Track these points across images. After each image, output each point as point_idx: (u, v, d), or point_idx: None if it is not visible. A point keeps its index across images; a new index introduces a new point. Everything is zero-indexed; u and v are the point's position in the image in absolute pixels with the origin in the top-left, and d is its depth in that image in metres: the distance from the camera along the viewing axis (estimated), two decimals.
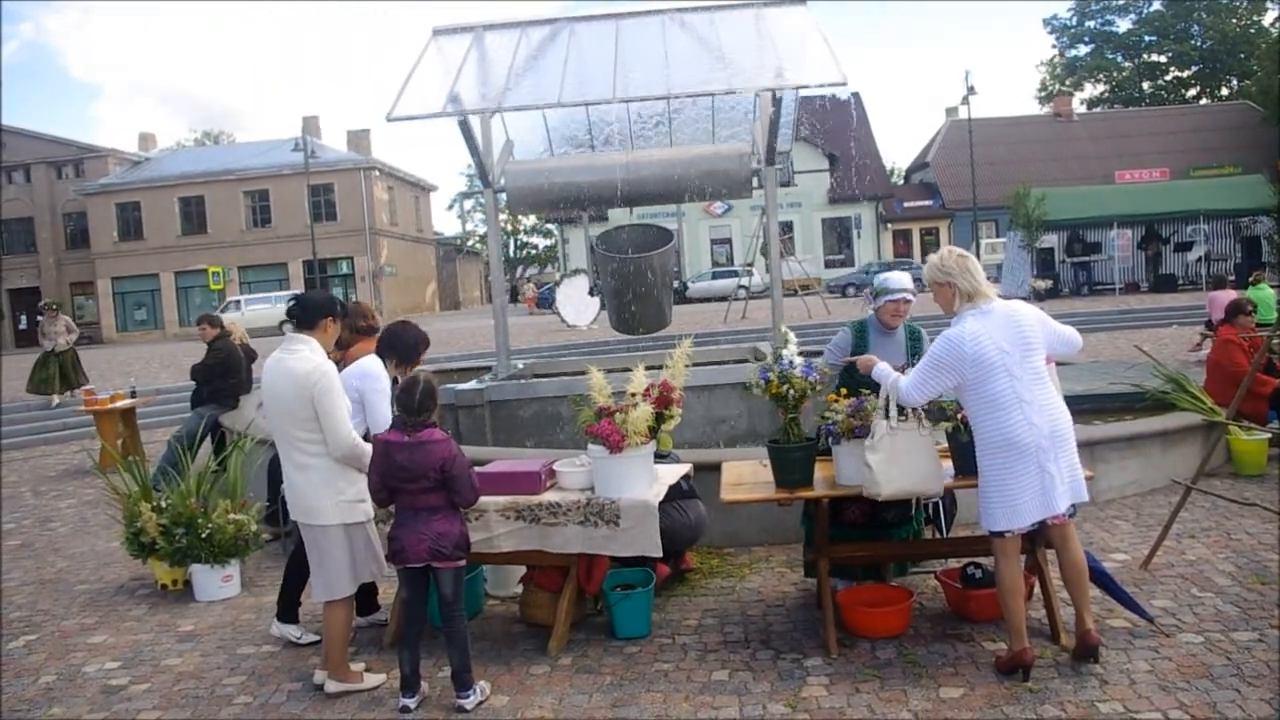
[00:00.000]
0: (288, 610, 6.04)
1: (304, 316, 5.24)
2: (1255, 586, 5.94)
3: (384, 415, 5.44)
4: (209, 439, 10.70)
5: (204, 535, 6.95)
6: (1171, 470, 8.11)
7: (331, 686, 5.17)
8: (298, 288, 47.39)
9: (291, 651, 5.88)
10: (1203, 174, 48.45)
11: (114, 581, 7.70)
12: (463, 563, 4.94)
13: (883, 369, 5.12)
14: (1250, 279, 17.93)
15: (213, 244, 52.98)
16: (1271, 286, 17.67)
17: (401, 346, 6.02)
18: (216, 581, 7.06)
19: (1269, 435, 8.70)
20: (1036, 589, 5.61)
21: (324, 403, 4.99)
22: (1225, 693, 4.58)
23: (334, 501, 5.07)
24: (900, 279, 6.09)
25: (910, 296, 6.02)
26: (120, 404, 13.12)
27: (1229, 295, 14.17)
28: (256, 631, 6.28)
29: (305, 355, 5.08)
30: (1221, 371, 9.58)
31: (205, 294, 50.66)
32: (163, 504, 7.17)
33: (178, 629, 6.46)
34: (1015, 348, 4.79)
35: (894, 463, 4.92)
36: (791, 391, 5.25)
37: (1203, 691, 4.60)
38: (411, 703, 4.89)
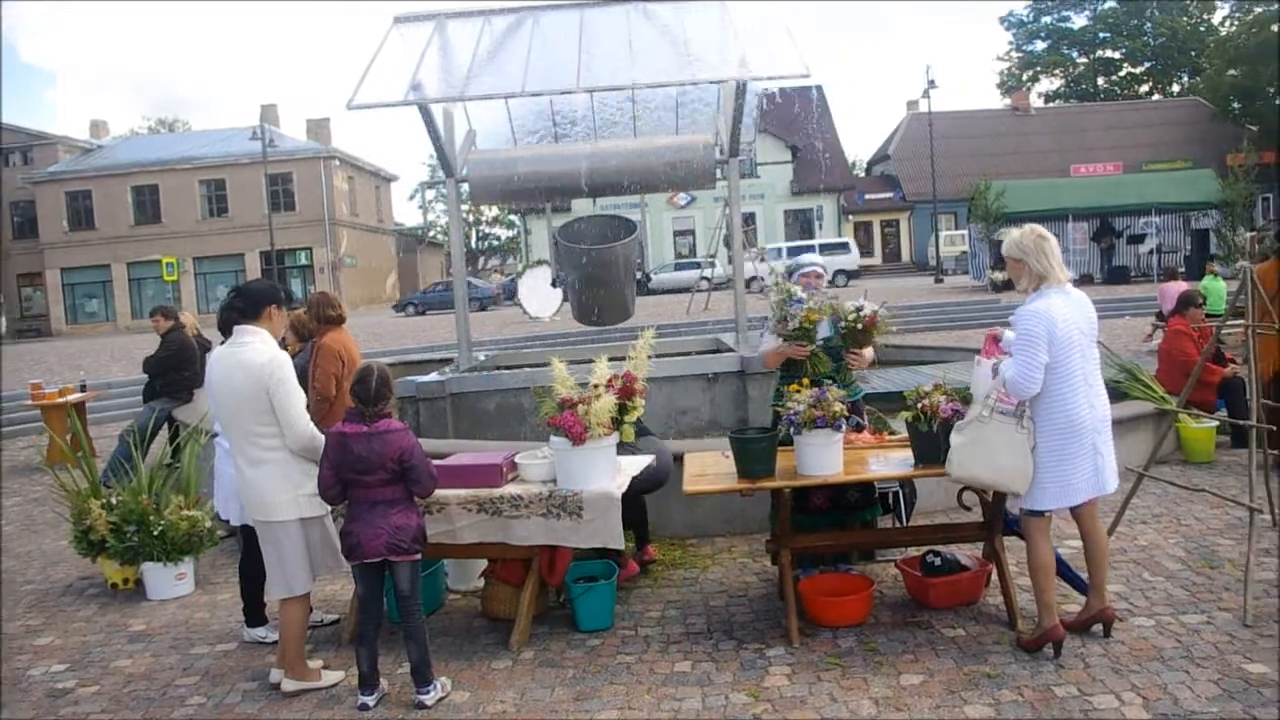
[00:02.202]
0: (254, 614, 5.94)
1: (247, 307, 5.13)
2: (1204, 570, 6.04)
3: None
4: (163, 433, 10.56)
5: (156, 532, 6.79)
6: (1124, 457, 8.17)
7: (288, 685, 5.09)
8: (254, 278, 46.90)
9: (247, 650, 5.79)
10: (1155, 168, 49.13)
11: (61, 581, 7.50)
12: (419, 556, 4.89)
13: (1002, 364, 5.04)
14: (1206, 270, 18.19)
15: (167, 234, 52.30)
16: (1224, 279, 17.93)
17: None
18: (169, 580, 6.91)
19: (1217, 423, 8.84)
20: (994, 576, 5.68)
21: (280, 394, 4.90)
22: (1175, 674, 4.66)
23: (291, 496, 4.98)
24: (811, 258, 6.79)
25: (820, 270, 6.62)
26: (69, 398, 12.78)
27: (1180, 287, 14.35)
28: (211, 631, 6.17)
29: (257, 347, 4.99)
30: (1172, 361, 9.71)
31: (159, 285, 50.03)
32: (113, 501, 7.00)
33: (128, 629, 6.32)
34: (1088, 331, 4.96)
35: (976, 449, 4.90)
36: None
37: (1154, 673, 4.68)
38: (370, 700, 4.83)
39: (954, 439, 4.99)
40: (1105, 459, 4.96)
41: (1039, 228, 5.13)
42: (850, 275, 42.17)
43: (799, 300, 6.01)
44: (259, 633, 5.89)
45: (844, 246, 40.43)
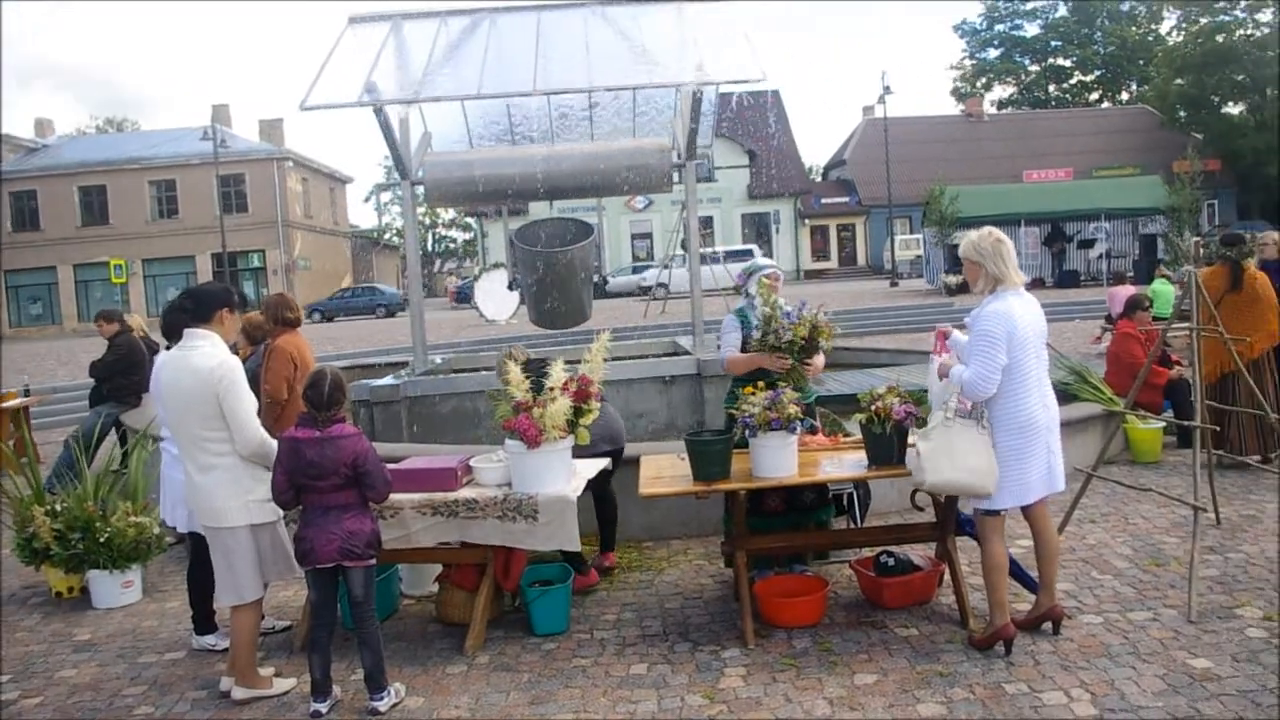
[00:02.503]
0: (203, 622, 5.86)
1: (197, 310, 5.05)
2: (1150, 568, 6.14)
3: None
4: (110, 438, 10.41)
5: (102, 540, 6.67)
6: (1073, 458, 8.30)
7: (239, 693, 5.03)
8: (205, 281, 46.34)
9: (196, 658, 5.71)
10: (1105, 174, 49.93)
11: (4, 590, 7.33)
12: (374, 561, 4.84)
13: (954, 370, 5.10)
14: (1155, 274, 18.46)
15: (115, 236, 51.40)
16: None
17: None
18: (116, 588, 6.79)
19: (1163, 424, 9.00)
20: (947, 576, 5.74)
21: (230, 399, 4.83)
22: (1122, 670, 4.73)
23: (241, 502, 4.91)
24: (768, 260, 6.78)
25: (779, 273, 6.51)
26: (12, 403, 12.51)
27: (1128, 291, 14.56)
28: (159, 639, 6.08)
29: (207, 351, 4.91)
30: (1120, 363, 9.87)
31: (106, 288, 49.18)
32: (58, 507, 6.87)
33: (74, 638, 6.19)
34: (1039, 333, 5.05)
35: (945, 454, 4.92)
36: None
37: (1102, 670, 4.75)
38: (323, 707, 4.77)
39: (921, 446, 5.01)
40: (1056, 457, 5.06)
41: (996, 231, 5.19)
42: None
43: (788, 314, 5.98)
44: (208, 640, 5.81)
45: (748, 253, 37.09)
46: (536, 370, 5.86)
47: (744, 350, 6.29)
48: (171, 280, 50.48)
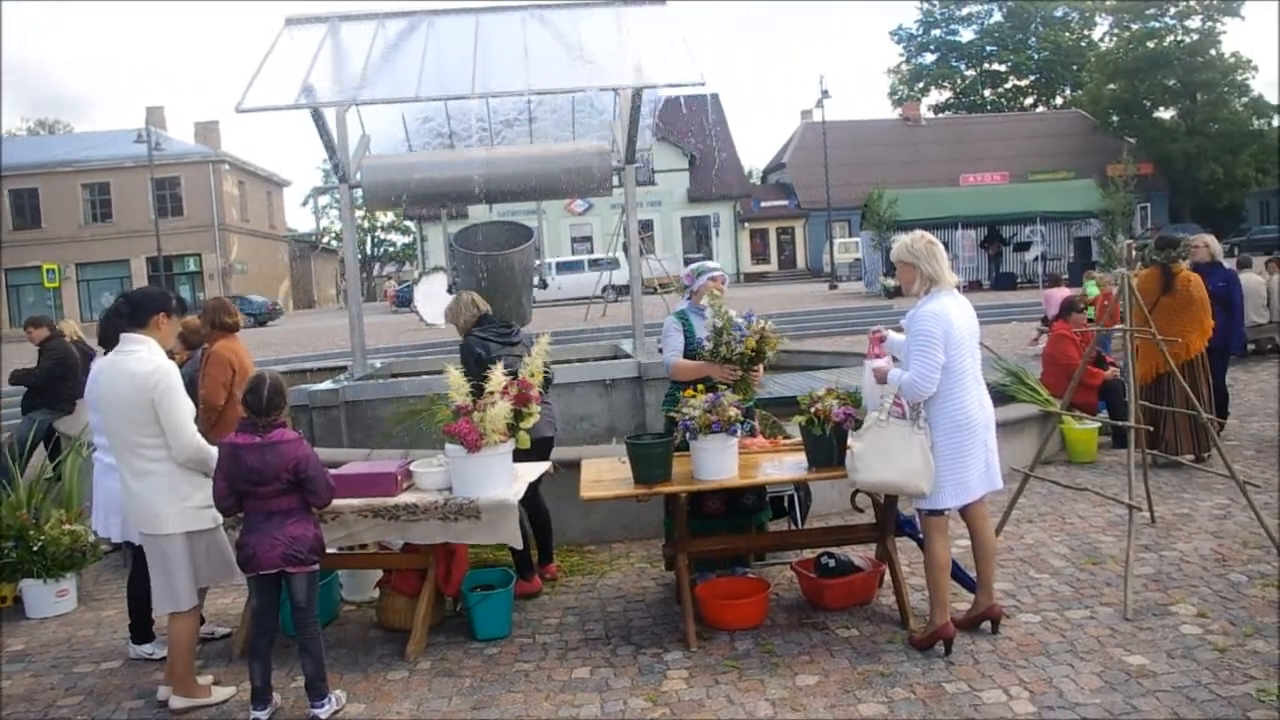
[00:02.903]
0: (141, 630, 5.76)
1: (134, 314, 4.97)
2: (1087, 567, 6.25)
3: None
4: (42, 446, 10.19)
5: (36, 548, 6.55)
6: (1011, 459, 8.43)
7: (176, 702, 4.94)
8: (139, 286, 45.54)
9: (134, 667, 5.61)
10: (1040, 178, 50.65)
11: None
12: (317, 567, 4.80)
13: (893, 373, 5.14)
14: (1084, 277, 18.76)
15: (47, 240, 50.25)
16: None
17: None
18: (50, 597, 6.66)
19: (1098, 424, 9.15)
20: (887, 577, 5.79)
21: (165, 404, 4.75)
22: (1060, 668, 4.80)
23: (178, 509, 4.84)
24: (712, 262, 6.78)
25: (723, 275, 6.49)
26: None
27: (1064, 293, 14.81)
28: (95, 648, 5.96)
29: (144, 356, 4.84)
30: (1056, 364, 10.02)
31: (39, 292, 48.26)
32: None
33: (7, 649, 6.06)
34: (973, 333, 5.11)
35: (878, 454, 4.95)
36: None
37: (1040, 668, 4.82)
38: (263, 715, 4.71)
39: (855, 446, 5.07)
40: (994, 456, 5.14)
41: (927, 234, 5.28)
42: (619, 290, 34.30)
43: (739, 326, 5.93)
44: (145, 649, 5.71)
45: (614, 262, 34.69)
46: (497, 333, 5.90)
47: (687, 354, 6.28)
48: (106, 285, 49.56)
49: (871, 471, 4.98)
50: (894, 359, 5.34)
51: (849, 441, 5.17)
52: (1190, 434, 8.59)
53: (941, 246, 5.25)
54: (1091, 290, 16.89)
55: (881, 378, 5.24)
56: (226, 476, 4.66)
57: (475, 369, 6.01)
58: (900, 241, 5.29)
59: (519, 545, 5.50)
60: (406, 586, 5.77)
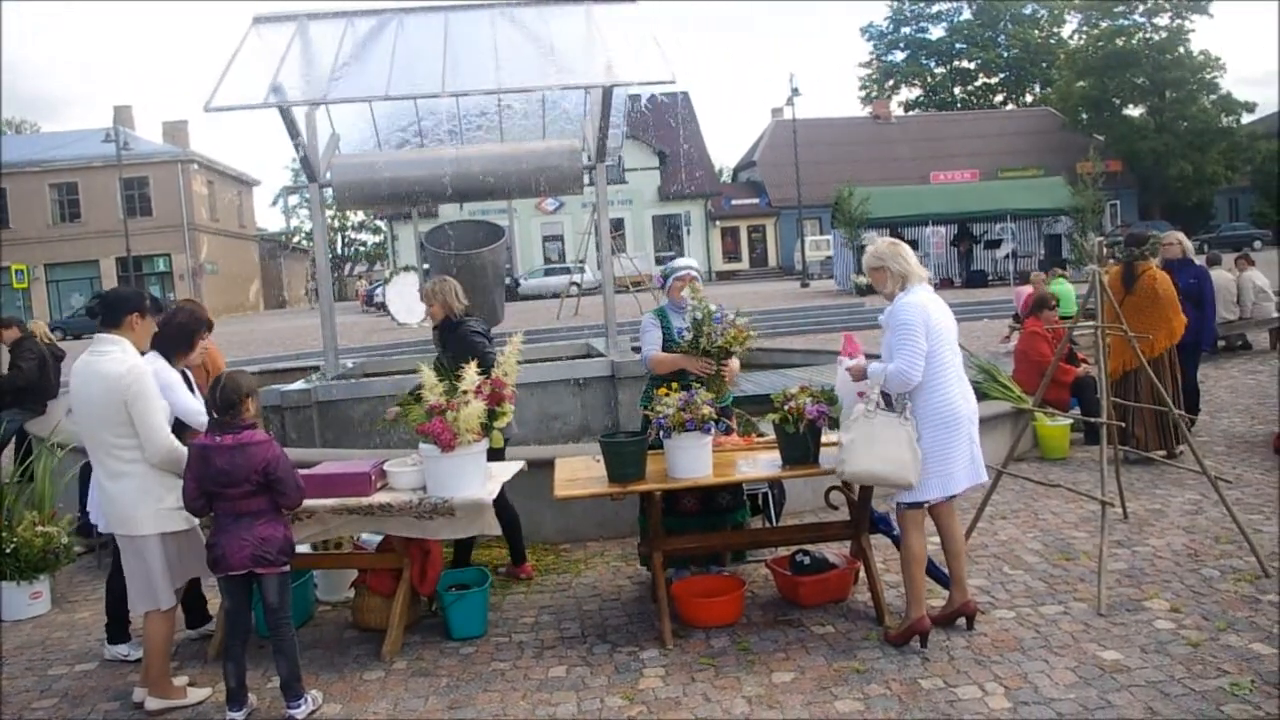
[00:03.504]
0: (117, 630, 5.71)
1: (107, 314, 4.97)
2: (1060, 563, 6.28)
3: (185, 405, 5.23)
4: (13, 447, 10.08)
5: (9, 550, 6.49)
6: (984, 456, 8.46)
7: (152, 704, 4.91)
8: (111, 286, 45.15)
9: (109, 669, 5.56)
10: (1010, 175, 51.09)
11: None
12: (287, 568, 4.78)
13: (874, 367, 5.17)
14: (1046, 275, 18.84)
15: (15, 240, 49.67)
16: (1071, 282, 18.65)
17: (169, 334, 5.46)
18: (24, 599, 6.59)
19: (1070, 421, 9.21)
20: (862, 573, 5.81)
21: (138, 406, 4.73)
22: (1035, 663, 4.83)
23: (152, 510, 4.82)
24: (684, 260, 6.73)
25: (694, 273, 6.49)
26: None
27: (1034, 290, 14.90)
28: (69, 650, 5.90)
29: (117, 356, 4.82)
30: (1028, 361, 10.06)
31: (8, 294, 47.58)
32: None
33: None
34: (951, 326, 5.16)
35: (865, 445, 4.96)
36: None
37: (1015, 663, 4.84)
38: (239, 716, 4.68)
39: (843, 437, 5.09)
40: (978, 448, 5.19)
41: (889, 237, 5.38)
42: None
43: (719, 318, 5.95)
44: (120, 650, 5.67)
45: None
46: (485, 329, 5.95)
47: (665, 349, 6.30)
48: (75, 286, 49.17)
49: (859, 462, 4.99)
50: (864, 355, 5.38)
51: (838, 433, 5.19)
52: (1158, 430, 8.66)
53: (906, 246, 5.33)
54: (1059, 289, 16.99)
55: (859, 375, 5.26)
56: (196, 478, 4.63)
57: (485, 362, 5.98)
58: (867, 251, 5.41)
59: (497, 531, 5.53)
60: (382, 586, 5.75)
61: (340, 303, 54.34)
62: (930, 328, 5.01)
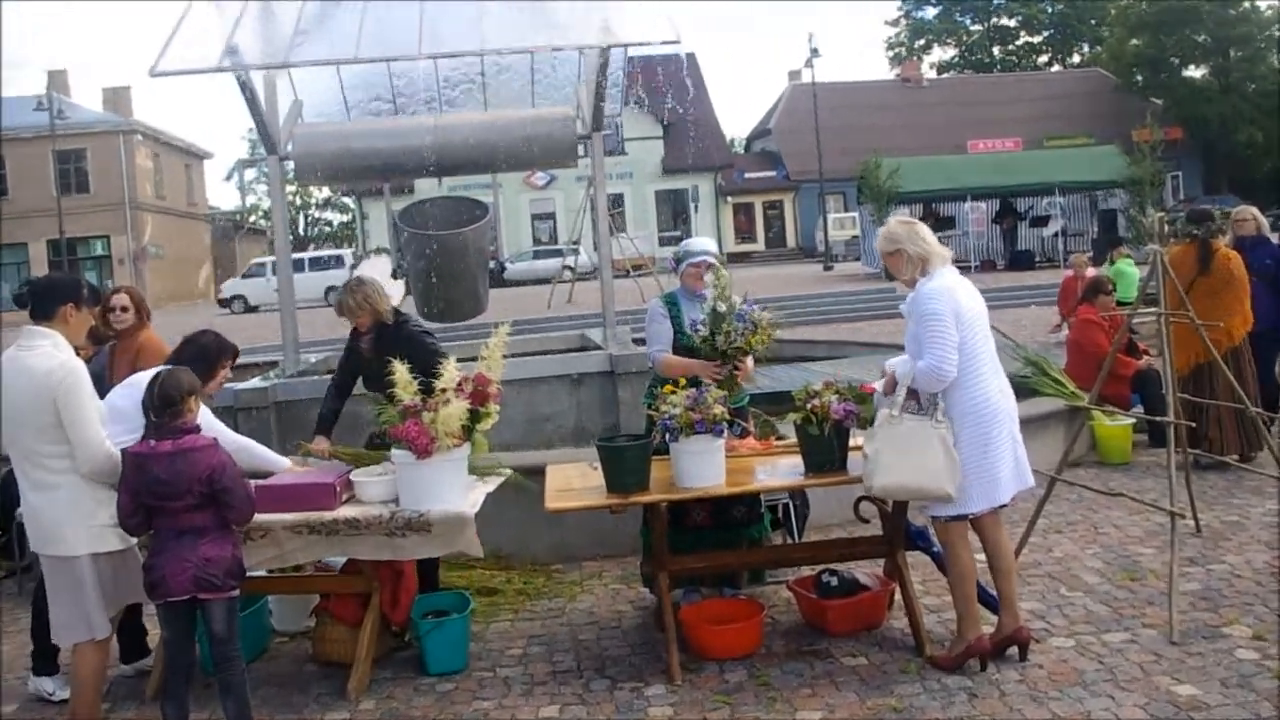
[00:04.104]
0: (44, 662, 5.64)
1: (38, 304, 4.89)
2: (1125, 583, 6.21)
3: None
4: None
5: None
6: (1035, 461, 8.36)
7: None
8: (41, 272, 45.13)
9: (33, 709, 5.48)
10: (1056, 144, 50.93)
11: None
12: (236, 593, 4.69)
13: (899, 360, 5.12)
14: (1109, 256, 18.77)
15: None
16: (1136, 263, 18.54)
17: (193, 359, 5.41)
18: None
19: (1133, 420, 9.12)
20: (897, 596, 5.74)
21: (70, 407, 4.65)
22: (1099, 700, 4.76)
23: (84, 527, 4.73)
24: (702, 242, 6.54)
25: (711, 259, 6.27)
26: None
27: (1087, 273, 14.81)
28: None
29: (47, 352, 4.73)
30: (1082, 353, 9.99)
31: None
32: None
33: None
34: (982, 312, 5.12)
35: (894, 452, 4.90)
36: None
37: (1075, 700, 4.77)
38: None
39: (866, 448, 5.03)
40: (1022, 448, 5.14)
41: (903, 216, 5.39)
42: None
43: (742, 315, 5.71)
44: (46, 686, 5.59)
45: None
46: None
47: (676, 347, 6.16)
48: (2, 271, 49.02)
49: (889, 474, 4.92)
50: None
51: (859, 443, 5.11)
52: (1236, 430, 8.57)
53: (923, 225, 5.27)
54: (1122, 270, 16.92)
55: (891, 388, 5.18)
56: (131, 489, 4.54)
57: (433, 363, 5.87)
58: (879, 234, 5.35)
59: (479, 553, 5.40)
60: (347, 614, 5.67)
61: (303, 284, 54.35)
62: (960, 314, 4.96)
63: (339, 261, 42.02)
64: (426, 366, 5.50)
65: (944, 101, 60.39)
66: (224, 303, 45.11)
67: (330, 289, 33.91)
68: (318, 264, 43.37)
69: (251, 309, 42.05)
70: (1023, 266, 33.80)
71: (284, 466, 5.70)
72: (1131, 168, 33.68)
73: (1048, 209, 35.70)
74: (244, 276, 46.48)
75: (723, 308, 5.75)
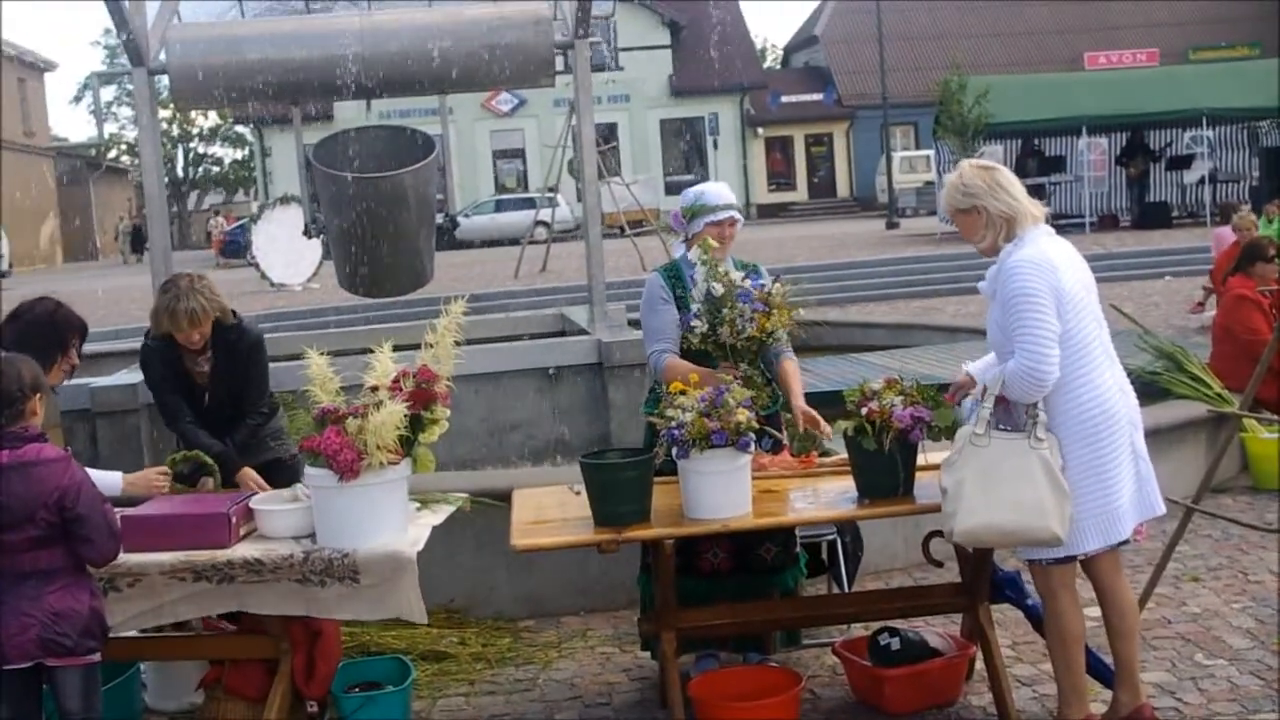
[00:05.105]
0: None
1: None
2: None
3: None
4: None
5: None
6: (1166, 484, 8.43)
7: None
8: None
9: None
10: (1205, 57, 50.78)
11: None
12: (97, 657, 4.74)
13: (982, 365, 5.18)
14: (1269, 211, 18.77)
15: None
16: None
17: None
18: None
19: None
20: (978, 664, 5.81)
21: None
22: None
23: None
24: (718, 189, 6.42)
25: (737, 215, 6.24)
26: None
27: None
28: None
29: None
30: (1232, 341, 10.00)
31: None
32: None
33: None
34: (1091, 286, 5.13)
35: (980, 486, 4.88)
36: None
37: None
38: None
39: (945, 480, 5.02)
40: (1147, 465, 5.14)
41: (979, 160, 5.27)
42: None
43: (745, 294, 5.64)
44: None
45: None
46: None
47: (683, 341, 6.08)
48: None
49: (975, 514, 4.90)
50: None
51: (934, 461, 5.16)
52: None
53: (1007, 172, 5.22)
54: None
55: (965, 388, 5.24)
56: None
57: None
58: (948, 183, 5.29)
59: (422, 619, 5.42)
60: (247, 686, 5.70)
61: (182, 252, 54.27)
62: (1062, 295, 4.93)
63: None
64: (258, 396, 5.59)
65: (1052, 1, 60.31)
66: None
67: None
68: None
69: None
70: (1156, 224, 33.69)
71: (118, 488, 5.62)
72: None
73: (1192, 145, 35.56)
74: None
75: (718, 289, 5.66)
